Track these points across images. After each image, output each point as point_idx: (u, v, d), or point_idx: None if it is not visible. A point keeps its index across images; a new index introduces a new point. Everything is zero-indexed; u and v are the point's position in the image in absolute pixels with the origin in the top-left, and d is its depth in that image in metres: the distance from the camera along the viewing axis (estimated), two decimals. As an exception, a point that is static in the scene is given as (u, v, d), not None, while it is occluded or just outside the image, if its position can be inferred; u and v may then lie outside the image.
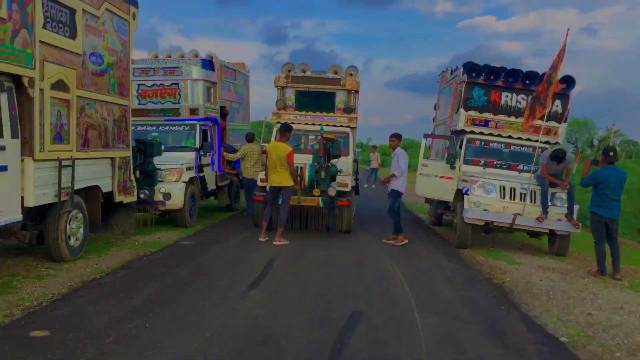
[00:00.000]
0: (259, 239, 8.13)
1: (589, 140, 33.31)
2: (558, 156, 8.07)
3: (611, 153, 7.17)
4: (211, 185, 10.54)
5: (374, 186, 20.41)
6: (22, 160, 5.39)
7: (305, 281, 6.00)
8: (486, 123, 9.34)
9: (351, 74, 10.45)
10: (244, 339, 4.07)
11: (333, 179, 8.80)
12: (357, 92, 10.51)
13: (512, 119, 9.28)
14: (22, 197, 5.41)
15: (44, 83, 5.54)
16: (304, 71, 10.55)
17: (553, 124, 9.14)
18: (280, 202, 8.22)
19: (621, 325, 4.99)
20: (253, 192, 9.40)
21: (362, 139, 46.60)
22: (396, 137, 8.81)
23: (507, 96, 9.32)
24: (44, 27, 5.54)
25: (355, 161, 10.26)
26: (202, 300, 5.00)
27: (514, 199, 8.17)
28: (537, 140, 8.84)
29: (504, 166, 9.22)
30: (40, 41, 5.45)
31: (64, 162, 5.92)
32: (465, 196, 8.28)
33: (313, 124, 10.18)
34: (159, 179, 8.78)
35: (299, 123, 10.08)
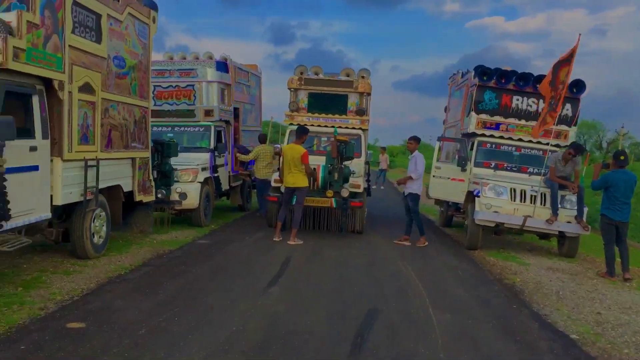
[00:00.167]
0: (274, 239, 8.32)
1: (597, 143, 33.28)
2: (578, 148, 8.33)
3: (622, 157, 7.31)
4: (225, 186, 10.74)
5: (382, 187, 20.59)
6: (52, 161, 5.60)
7: (321, 280, 6.18)
8: (497, 126, 9.49)
9: (363, 77, 10.64)
10: (267, 332, 4.25)
11: (346, 180, 8.98)
12: (369, 94, 10.68)
13: (523, 122, 9.43)
14: (51, 196, 5.62)
15: (72, 86, 5.76)
16: (317, 73, 10.74)
17: (563, 127, 9.28)
18: (294, 203, 8.41)
19: (629, 324, 5.14)
20: (267, 193, 9.59)
21: (369, 140, 46.64)
22: (414, 140, 8.95)
23: (518, 100, 9.47)
24: (73, 32, 5.75)
25: (367, 163, 10.43)
26: (224, 296, 5.19)
27: (524, 201, 8.31)
28: (547, 144, 8.98)
29: (514, 169, 9.37)
30: (69, 46, 5.67)
31: (89, 163, 6.14)
32: (476, 198, 8.43)
33: (325, 126, 10.37)
34: (175, 179, 8.99)
35: (312, 125, 10.27)
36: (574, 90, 9.18)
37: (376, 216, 12.04)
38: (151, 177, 8.01)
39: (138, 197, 7.55)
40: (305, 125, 9.68)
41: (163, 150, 8.62)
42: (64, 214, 6.27)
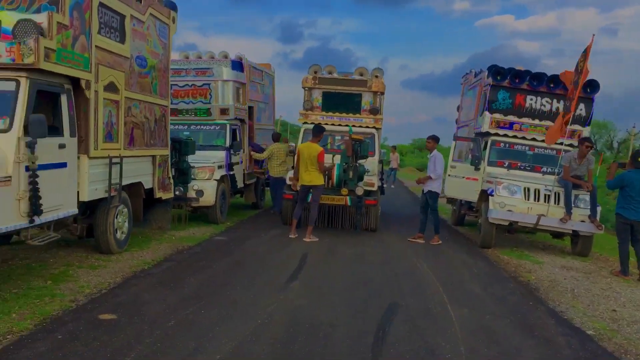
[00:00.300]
0: (290, 236, 8.45)
1: (608, 143, 33.14)
2: (583, 140, 8.41)
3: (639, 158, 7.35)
4: (240, 183, 10.88)
5: (392, 186, 20.67)
6: (78, 158, 5.75)
7: (339, 275, 6.30)
8: (510, 125, 9.54)
9: (377, 76, 10.72)
10: (292, 325, 4.38)
11: (360, 178, 9.09)
12: (382, 93, 10.77)
13: (537, 121, 9.48)
14: (78, 192, 5.78)
15: (98, 85, 5.91)
16: (330, 73, 10.84)
17: (577, 127, 9.33)
18: (310, 201, 8.52)
19: (645, 321, 5.22)
20: (282, 191, 9.71)
21: (378, 139, 46.57)
22: (433, 139, 9.01)
23: (531, 99, 9.53)
24: (99, 32, 5.90)
25: (380, 161, 10.53)
26: (246, 290, 5.32)
27: (538, 200, 8.37)
28: (561, 143, 9.03)
29: (528, 168, 9.43)
30: (95, 46, 5.82)
31: (113, 160, 6.29)
32: (490, 197, 8.51)
33: (339, 125, 10.46)
34: (192, 176, 9.13)
35: (326, 124, 10.34)
36: (588, 90, 9.22)
37: (388, 214, 12.13)
38: (170, 175, 8.16)
39: (158, 194, 7.71)
40: (319, 124, 9.78)
41: (181, 148, 8.76)
42: (88, 210, 6.43)
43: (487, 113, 9.58)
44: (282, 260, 6.88)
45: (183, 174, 8.88)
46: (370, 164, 9.83)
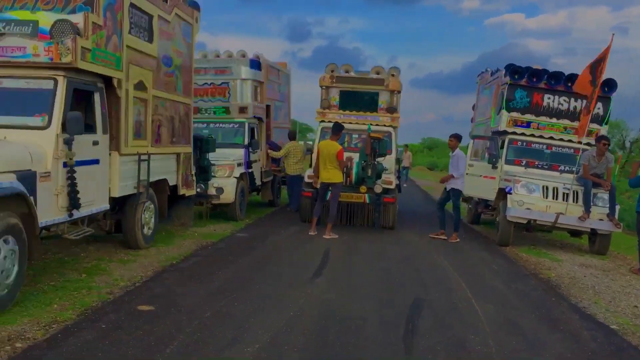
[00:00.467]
0: (310, 233, 8.56)
1: (620, 142, 32.98)
2: (601, 138, 8.46)
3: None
4: (258, 181, 11.01)
5: (405, 185, 20.68)
6: (110, 155, 5.90)
7: (363, 271, 6.41)
8: (528, 124, 9.60)
9: (393, 75, 10.80)
10: (323, 318, 4.50)
11: (379, 176, 9.19)
12: (399, 92, 10.86)
13: (554, 120, 9.53)
14: (109, 188, 5.93)
15: (128, 84, 6.06)
16: (347, 71, 10.94)
17: (594, 126, 9.36)
18: (330, 198, 8.63)
19: (668, 317, 5.29)
20: (302, 189, 9.82)
21: (387, 138, 46.54)
22: (455, 137, 9.05)
23: (549, 98, 9.57)
24: (129, 32, 6.04)
25: (397, 160, 10.62)
26: (275, 284, 5.45)
27: (556, 199, 8.43)
28: (579, 142, 9.08)
29: (545, 167, 9.48)
30: (126, 45, 5.96)
31: (142, 157, 6.43)
32: (508, 195, 8.57)
33: (357, 123, 10.56)
34: (212, 174, 9.27)
35: (343, 122, 10.45)
36: (606, 89, 9.26)
37: (403, 212, 12.17)
38: (193, 172, 8.30)
39: (182, 191, 7.85)
40: (339, 122, 9.89)
41: (202, 145, 8.90)
42: (117, 205, 6.57)
43: (504, 112, 9.64)
44: (305, 256, 7.00)
45: (204, 172, 9.02)
46: (388, 162, 9.93)
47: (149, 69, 6.57)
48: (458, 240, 8.86)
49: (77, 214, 5.16)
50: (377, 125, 10.54)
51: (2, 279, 4.11)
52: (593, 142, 9.42)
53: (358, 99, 10.76)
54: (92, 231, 5.76)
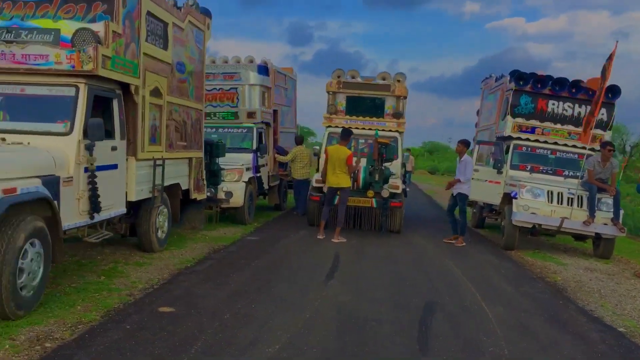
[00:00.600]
0: (318, 237, 8.68)
1: (621, 146, 33.17)
2: (606, 144, 8.59)
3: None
4: (266, 185, 11.14)
5: (408, 189, 20.80)
6: (127, 160, 6.03)
7: (374, 274, 6.54)
8: (532, 130, 9.75)
9: (399, 81, 10.95)
10: (339, 319, 4.63)
11: (386, 181, 9.32)
12: (405, 98, 11.00)
13: (559, 126, 9.69)
14: (126, 193, 6.06)
15: (145, 90, 6.20)
16: (354, 77, 11.09)
17: (598, 131, 9.51)
18: (339, 203, 8.75)
19: (674, 320, 5.41)
20: (306, 193, 9.95)
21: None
22: (463, 143, 9.17)
23: (553, 104, 9.74)
24: (146, 40, 6.18)
25: (403, 165, 10.76)
26: (290, 287, 5.58)
27: (561, 203, 8.56)
28: (583, 147, 9.22)
29: (550, 172, 9.61)
30: (143, 53, 6.10)
31: (157, 162, 6.57)
32: (514, 200, 8.70)
33: (363, 128, 10.70)
34: (221, 178, 9.40)
35: (350, 127, 10.60)
36: (610, 95, 9.41)
37: (407, 217, 12.28)
38: (204, 176, 8.43)
39: (193, 195, 7.98)
40: (343, 127, 10.04)
41: (212, 150, 9.03)
42: (131, 209, 6.70)
43: (509, 117, 9.79)
44: (317, 259, 7.12)
45: (214, 176, 9.14)
46: (394, 167, 10.06)
47: (164, 75, 6.71)
48: (464, 244, 8.98)
49: (97, 218, 5.29)
50: (383, 130, 10.69)
51: (29, 280, 4.24)
52: (597, 147, 9.59)
53: (365, 105, 10.91)
54: (111, 235, 5.89)
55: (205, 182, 8.50)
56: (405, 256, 7.81)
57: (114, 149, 5.68)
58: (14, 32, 5.30)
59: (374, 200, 9.26)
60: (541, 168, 9.68)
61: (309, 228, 9.64)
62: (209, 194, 8.96)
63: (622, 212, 8.56)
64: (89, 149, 5.07)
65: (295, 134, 13.10)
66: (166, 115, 6.87)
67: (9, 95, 5.21)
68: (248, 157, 10.27)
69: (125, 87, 5.91)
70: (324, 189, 9.15)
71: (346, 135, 8.87)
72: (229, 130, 10.82)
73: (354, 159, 8.87)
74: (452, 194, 9.22)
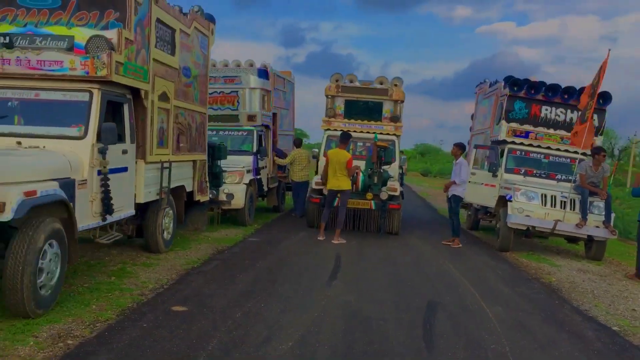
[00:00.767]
0: (318, 238, 8.86)
1: (609, 150, 33.72)
2: (599, 150, 8.86)
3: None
4: (265, 187, 11.31)
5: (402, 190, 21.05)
6: (136, 163, 6.17)
7: (375, 275, 6.73)
8: (526, 134, 10.00)
9: (396, 85, 11.18)
10: (346, 318, 4.81)
11: (385, 183, 9.53)
12: (402, 102, 11.22)
13: (552, 131, 9.95)
14: (135, 195, 6.20)
15: (154, 95, 6.34)
16: (351, 81, 11.30)
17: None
18: (339, 205, 8.93)
19: (664, 319, 5.66)
20: (305, 194, 10.13)
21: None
22: (457, 146, 9.40)
23: (546, 109, 10.00)
24: (156, 46, 6.34)
25: (400, 167, 10.97)
26: (295, 287, 5.75)
27: (554, 206, 8.81)
28: (575, 152, 9.48)
29: (543, 175, 9.87)
30: (153, 59, 6.25)
31: (164, 165, 6.71)
32: (508, 202, 8.94)
33: (361, 132, 10.90)
34: (223, 180, 9.55)
35: (348, 130, 10.80)
36: (601, 102, 9.69)
37: (403, 218, 12.52)
38: (207, 178, 8.58)
39: (197, 197, 8.13)
40: (342, 130, 10.23)
41: (214, 152, 9.17)
42: (138, 211, 6.83)
43: (504, 122, 10.03)
44: (318, 260, 7.30)
45: (215, 178, 9.29)
46: (392, 169, 10.27)
47: (171, 80, 6.86)
48: (460, 245, 9.20)
49: (109, 219, 5.43)
50: (381, 133, 10.91)
51: (47, 280, 4.38)
52: (589, 152, 9.85)
53: (363, 108, 11.12)
54: (121, 236, 6.03)
55: (208, 184, 8.64)
56: (404, 257, 8.01)
57: (124, 152, 5.83)
58: (28, 38, 5.43)
59: (372, 202, 9.47)
60: (535, 172, 9.93)
61: (309, 229, 9.82)
62: (211, 195, 9.11)
63: (613, 215, 8.83)
64: (102, 152, 5.20)
65: (294, 137, 13.27)
66: (173, 119, 7.02)
67: (24, 100, 5.33)
68: (249, 160, 10.43)
69: (135, 92, 6.06)
70: (324, 191, 9.33)
71: (345, 138, 9.06)
72: (230, 133, 10.97)
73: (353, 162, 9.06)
74: (447, 196, 9.45)
